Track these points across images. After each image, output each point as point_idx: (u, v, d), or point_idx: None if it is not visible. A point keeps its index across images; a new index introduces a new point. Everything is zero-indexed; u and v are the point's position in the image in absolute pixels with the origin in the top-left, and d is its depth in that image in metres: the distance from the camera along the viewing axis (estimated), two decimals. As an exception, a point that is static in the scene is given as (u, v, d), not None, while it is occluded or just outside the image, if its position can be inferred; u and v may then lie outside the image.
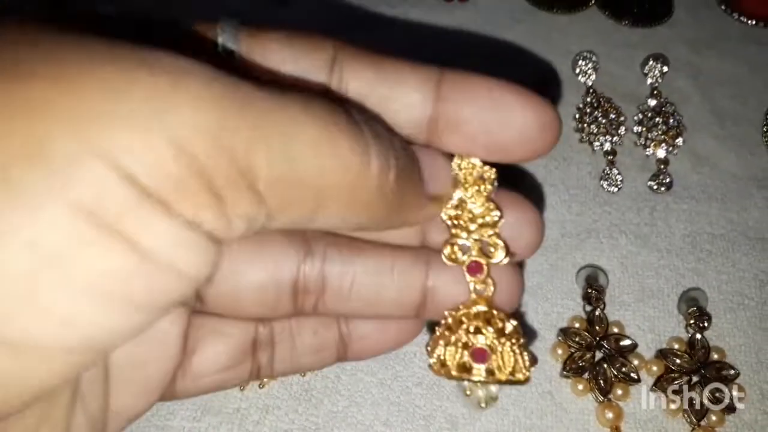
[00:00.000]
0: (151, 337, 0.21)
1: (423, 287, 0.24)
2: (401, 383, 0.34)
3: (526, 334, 0.33)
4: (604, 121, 0.43)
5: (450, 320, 0.24)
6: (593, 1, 0.49)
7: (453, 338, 0.23)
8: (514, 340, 0.23)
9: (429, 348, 0.24)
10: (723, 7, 0.49)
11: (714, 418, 0.33)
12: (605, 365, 0.34)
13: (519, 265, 0.27)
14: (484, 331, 0.23)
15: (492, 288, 0.24)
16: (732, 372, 0.34)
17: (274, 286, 0.24)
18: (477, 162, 0.23)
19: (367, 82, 0.21)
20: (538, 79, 0.45)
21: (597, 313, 0.36)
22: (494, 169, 0.23)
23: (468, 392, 0.23)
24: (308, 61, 0.20)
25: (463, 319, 0.23)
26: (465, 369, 0.23)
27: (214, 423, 0.32)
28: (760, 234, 0.40)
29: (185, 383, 0.24)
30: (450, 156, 0.23)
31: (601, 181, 0.41)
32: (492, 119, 0.21)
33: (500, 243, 0.23)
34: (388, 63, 0.21)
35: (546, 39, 0.48)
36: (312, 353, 0.26)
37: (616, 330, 0.36)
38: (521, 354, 0.23)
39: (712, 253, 0.39)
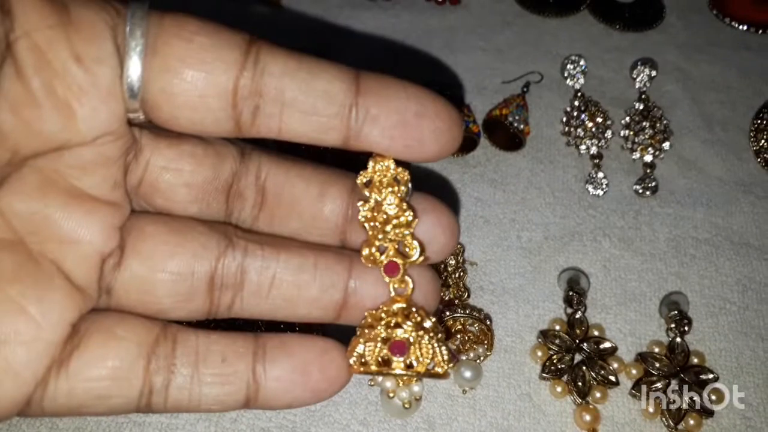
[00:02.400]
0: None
1: (345, 287, 0.24)
2: (380, 382, 0.34)
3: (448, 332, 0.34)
4: (590, 124, 0.43)
5: (370, 319, 0.24)
6: (584, 6, 0.49)
7: (372, 334, 0.23)
8: (432, 334, 0.23)
9: (349, 348, 0.24)
10: (715, 12, 0.49)
11: (692, 421, 0.33)
12: (584, 368, 0.35)
13: (435, 268, 0.27)
14: (403, 325, 0.23)
15: (411, 287, 0.24)
16: (711, 376, 0.34)
17: (190, 276, 0.23)
18: (391, 164, 0.24)
19: (285, 70, 0.21)
20: (525, 83, 0.45)
21: (577, 315, 0.36)
22: (407, 171, 0.24)
23: (391, 394, 0.23)
24: (223, 48, 0.21)
25: (383, 316, 0.24)
26: (384, 363, 0.23)
27: (191, 420, 0.33)
28: (745, 239, 0.40)
29: (58, 385, 0.21)
30: (368, 157, 0.24)
31: (587, 185, 0.41)
32: (408, 110, 0.22)
33: (415, 243, 0.24)
34: (307, 56, 0.22)
35: (536, 42, 0.48)
36: (217, 384, 0.23)
37: (596, 333, 0.36)
38: (440, 348, 0.23)
39: (696, 258, 0.39)
